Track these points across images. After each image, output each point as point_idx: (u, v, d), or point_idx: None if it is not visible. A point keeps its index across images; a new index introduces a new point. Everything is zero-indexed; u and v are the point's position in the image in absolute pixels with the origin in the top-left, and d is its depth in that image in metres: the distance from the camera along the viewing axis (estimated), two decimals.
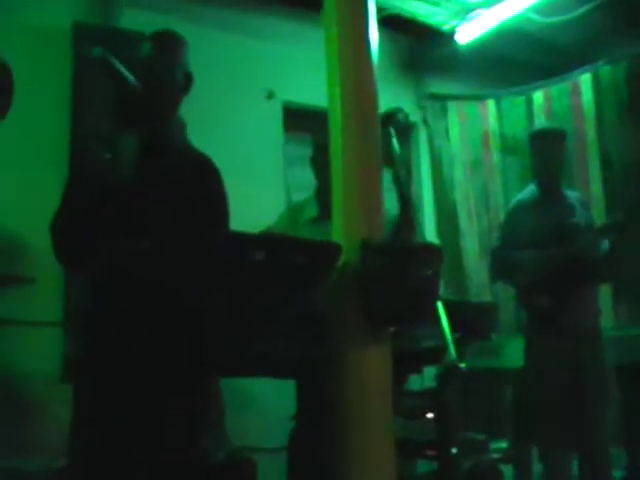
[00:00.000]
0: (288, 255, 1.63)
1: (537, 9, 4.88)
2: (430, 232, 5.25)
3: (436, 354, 2.55)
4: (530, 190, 3.74)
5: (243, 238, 1.62)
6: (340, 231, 2.02)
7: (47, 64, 4.08)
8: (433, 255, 2.08)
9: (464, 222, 5.21)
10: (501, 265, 3.63)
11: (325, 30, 2.20)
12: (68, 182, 2.12)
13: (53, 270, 2.55)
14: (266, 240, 1.72)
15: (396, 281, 1.88)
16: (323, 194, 3.14)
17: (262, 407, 3.94)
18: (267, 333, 1.67)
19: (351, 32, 2.17)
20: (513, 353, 4.26)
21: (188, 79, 2.33)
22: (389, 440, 1.93)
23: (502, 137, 5.25)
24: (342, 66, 2.12)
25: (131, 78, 2.13)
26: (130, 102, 2.21)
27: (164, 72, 2.22)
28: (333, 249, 1.76)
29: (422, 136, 5.49)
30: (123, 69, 2.14)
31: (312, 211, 3.16)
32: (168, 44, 2.27)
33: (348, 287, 1.90)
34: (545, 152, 3.65)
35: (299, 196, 4.51)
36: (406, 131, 3.10)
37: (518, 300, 3.65)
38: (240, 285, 1.60)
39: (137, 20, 4.33)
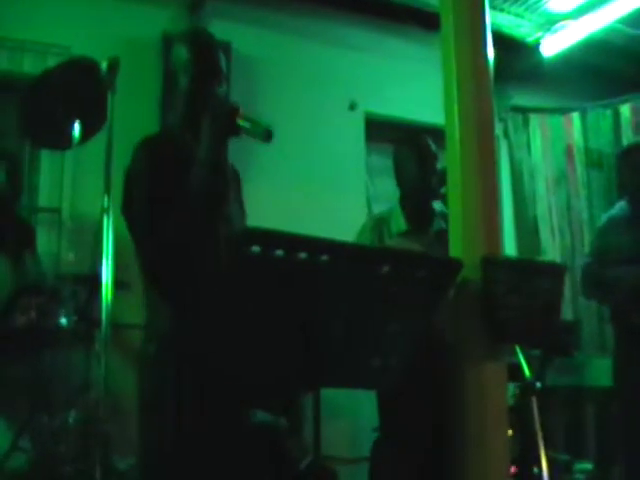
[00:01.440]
0: (411, 270, 1.61)
1: (625, 21, 4.78)
2: (510, 248, 5.17)
3: (517, 371, 2.51)
4: (621, 206, 3.67)
5: (369, 251, 1.62)
6: (459, 247, 2.01)
7: (138, 72, 4.19)
8: (556, 272, 2.06)
9: (545, 238, 5.11)
10: (594, 282, 3.56)
11: (442, 47, 2.21)
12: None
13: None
14: (390, 253, 1.71)
15: (523, 297, 1.86)
16: (409, 202, 3.09)
17: (344, 417, 3.94)
18: (385, 347, 1.66)
19: (469, 49, 2.19)
20: (596, 371, 4.17)
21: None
22: (505, 456, 1.90)
23: (587, 151, 5.13)
24: (460, 83, 2.13)
25: None
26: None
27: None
28: (454, 265, 1.74)
29: (502, 149, 5.42)
30: None
31: (400, 224, 3.04)
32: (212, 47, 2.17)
33: (468, 303, 1.89)
34: (638, 168, 3.57)
35: (379, 206, 4.51)
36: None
37: (612, 318, 3.56)
38: (363, 298, 1.60)
39: (223, 30, 4.42)
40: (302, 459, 2.21)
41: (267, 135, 1.80)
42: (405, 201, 3.09)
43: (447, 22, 2.28)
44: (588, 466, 3.90)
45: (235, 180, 2.27)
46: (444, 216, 2.96)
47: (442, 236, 2.88)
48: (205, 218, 1.90)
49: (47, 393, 2.85)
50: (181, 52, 2.12)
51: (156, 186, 1.91)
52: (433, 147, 3.05)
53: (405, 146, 3.14)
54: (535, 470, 2.61)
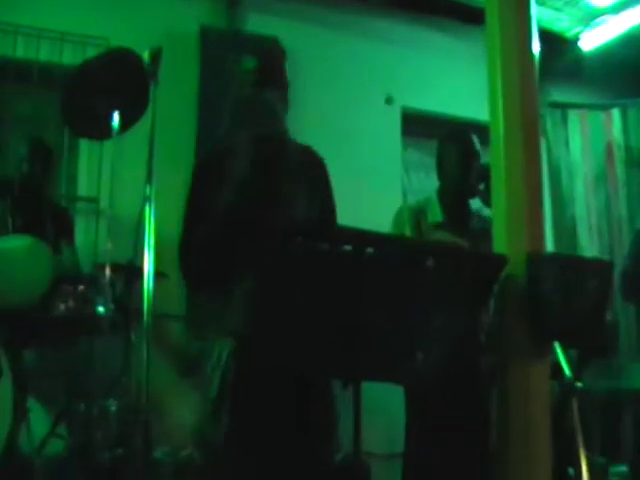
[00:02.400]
0: (456, 265, 1.60)
1: None
2: (548, 247, 5.08)
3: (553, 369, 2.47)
4: None
5: (416, 245, 1.60)
6: (503, 243, 2.00)
7: (176, 65, 4.19)
8: (604, 269, 2.02)
9: (584, 238, 5.02)
10: (632, 285, 3.49)
11: (487, 42, 2.21)
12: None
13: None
14: (436, 248, 1.70)
15: (568, 294, 1.83)
16: (448, 196, 3.09)
17: (377, 413, 3.91)
18: (429, 341, 1.64)
19: (515, 44, 2.19)
20: (634, 375, 4.10)
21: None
22: (549, 455, 1.89)
23: (627, 149, 5.03)
24: (505, 78, 2.13)
25: None
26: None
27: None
28: (500, 261, 1.73)
29: (541, 146, 5.34)
30: None
31: (436, 214, 3.05)
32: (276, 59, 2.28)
33: (512, 299, 1.88)
34: None
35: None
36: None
37: None
38: (409, 292, 1.59)
39: (261, 24, 4.42)
40: (336, 454, 2.20)
41: None
42: (443, 194, 3.11)
43: (492, 17, 2.26)
44: (624, 469, 3.84)
45: (316, 169, 2.31)
46: (478, 216, 3.00)
47: (477, 235, 2.90)
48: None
49: (84, 381, 2.88)
50: (248, 63, 2.28)
51: (192, 201, 2.11)
52: (477, 145, 3.06)
53: (449, 141, 3.16)
54: (570, 471, 2.56)
